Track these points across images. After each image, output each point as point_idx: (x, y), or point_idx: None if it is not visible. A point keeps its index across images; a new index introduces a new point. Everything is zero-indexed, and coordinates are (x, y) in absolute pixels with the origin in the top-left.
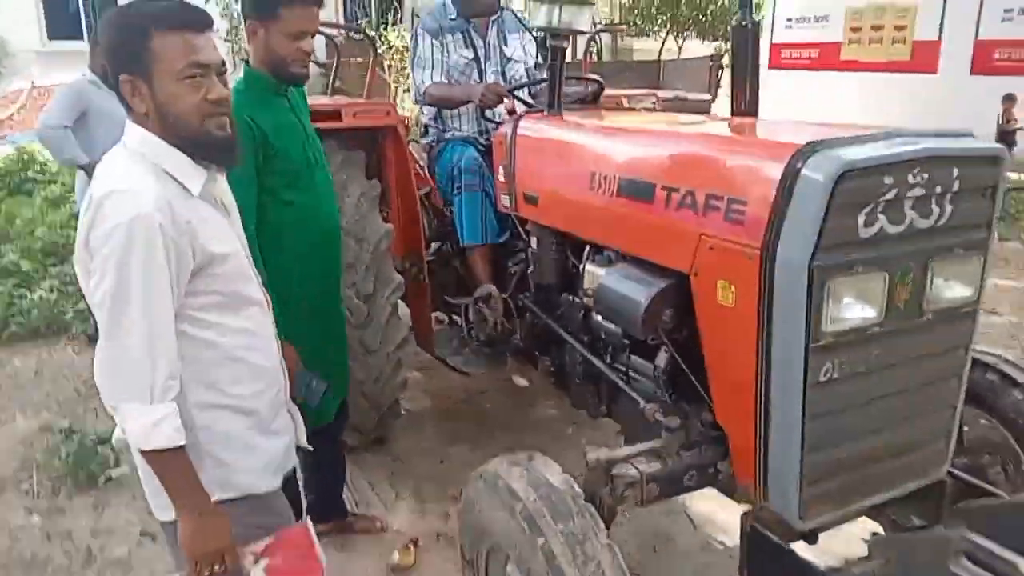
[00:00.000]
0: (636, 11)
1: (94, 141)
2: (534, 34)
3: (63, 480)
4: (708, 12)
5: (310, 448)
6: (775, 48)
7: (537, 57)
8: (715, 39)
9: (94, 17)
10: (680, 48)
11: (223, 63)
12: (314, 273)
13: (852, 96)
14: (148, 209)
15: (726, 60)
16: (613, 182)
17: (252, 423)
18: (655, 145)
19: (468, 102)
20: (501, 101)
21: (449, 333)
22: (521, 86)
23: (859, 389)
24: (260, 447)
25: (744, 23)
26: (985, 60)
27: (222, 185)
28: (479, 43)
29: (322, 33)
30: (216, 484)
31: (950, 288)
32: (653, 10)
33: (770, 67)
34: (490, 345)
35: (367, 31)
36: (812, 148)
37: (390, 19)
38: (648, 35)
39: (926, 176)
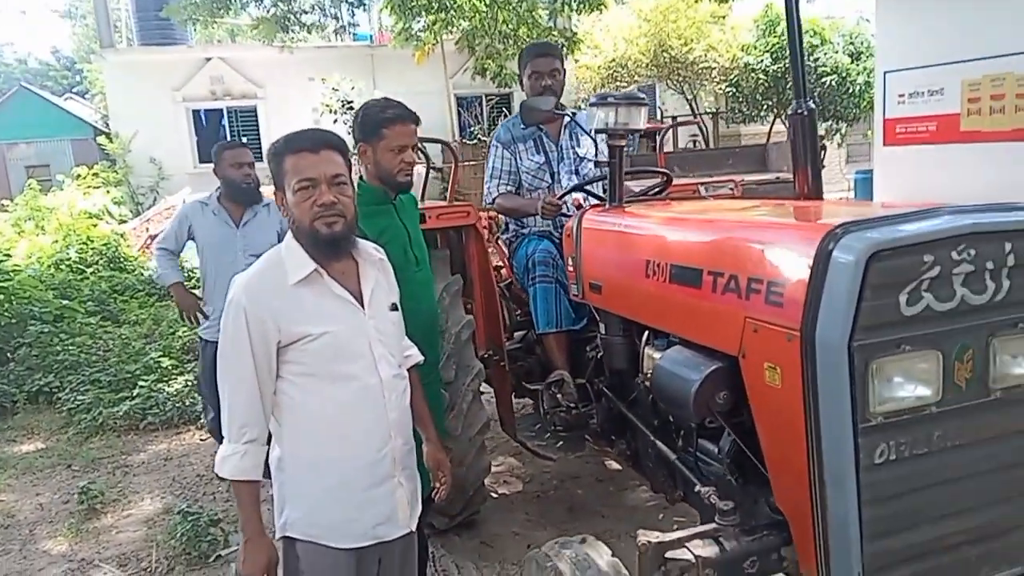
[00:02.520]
0: (740, 98)
1: (203, 261)
2: (592, 136)
3: (178, 559)
4: (816, 94)
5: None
6: (889, 124)
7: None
8: (826, 119)
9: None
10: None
11: (335, 175)
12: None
13: (976, 168)
14: (237, 294)
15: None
16: (665, 269)
17: (331, 484)
18: (702, 232)
19: (534, 214)
20: (559, 210)
21: (533, 419)
22: (576, 187)
23: (921, 471)
24: (335, 507)
25: (800, 111)
26: None
27: (360, 277)
28: (551, 147)
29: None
30: (288, 522)
31: (1019, 365)
32: (758, 96)
33: (885, 144)
34: (568, 429)
35: (448, 143)
36: (845, 230)
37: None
38: (756, 120)
39: (973, 252)
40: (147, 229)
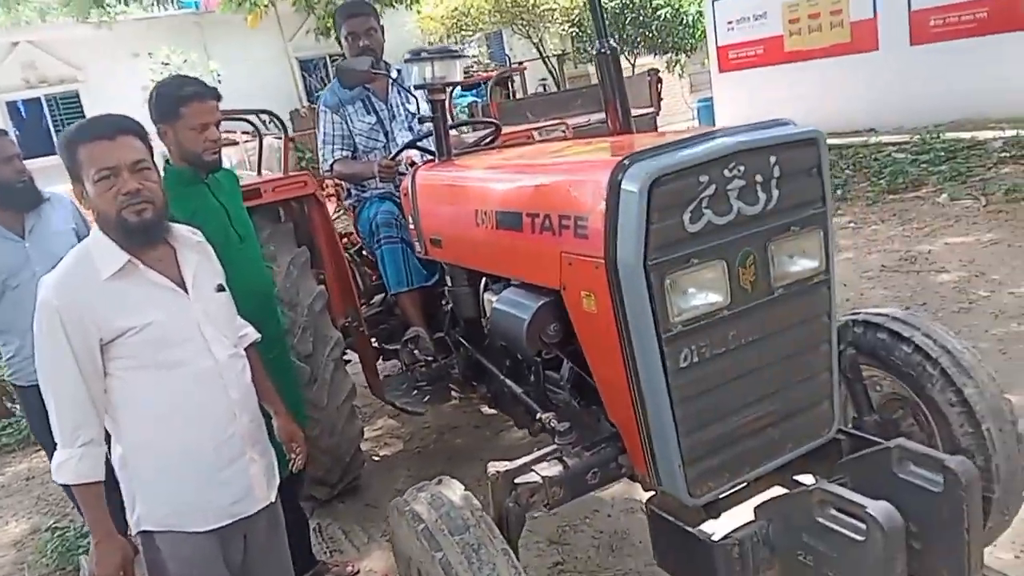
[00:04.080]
0: (584, 38)
1: None
2: (412, 93)
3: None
4: (652, 28)
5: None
6: (722, 51)
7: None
8: (665, 52)
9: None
10: (634, 65)
11: (136, 161)
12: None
13: (802, 84)
14: (47, 296)
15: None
16: (492, 216)
17: (180, 471)
18: (518, 178)
19: (371, 177)
20: (394, 170)
21: (401, 379)
22: (407, 146)
23: (722, 368)
24: (190, 491)
25: (603, 50)
26: (922, 30)
27: (180, 262)
28: (380, 106)
29: (233, 119)
30: (141, 516)
31: (794, 263)
32: None
33: (721, 71)
34: (431, 382)
35: (273, 112)
36: (631, 160)
37: None
38: None
39: (743, 168)
40: None
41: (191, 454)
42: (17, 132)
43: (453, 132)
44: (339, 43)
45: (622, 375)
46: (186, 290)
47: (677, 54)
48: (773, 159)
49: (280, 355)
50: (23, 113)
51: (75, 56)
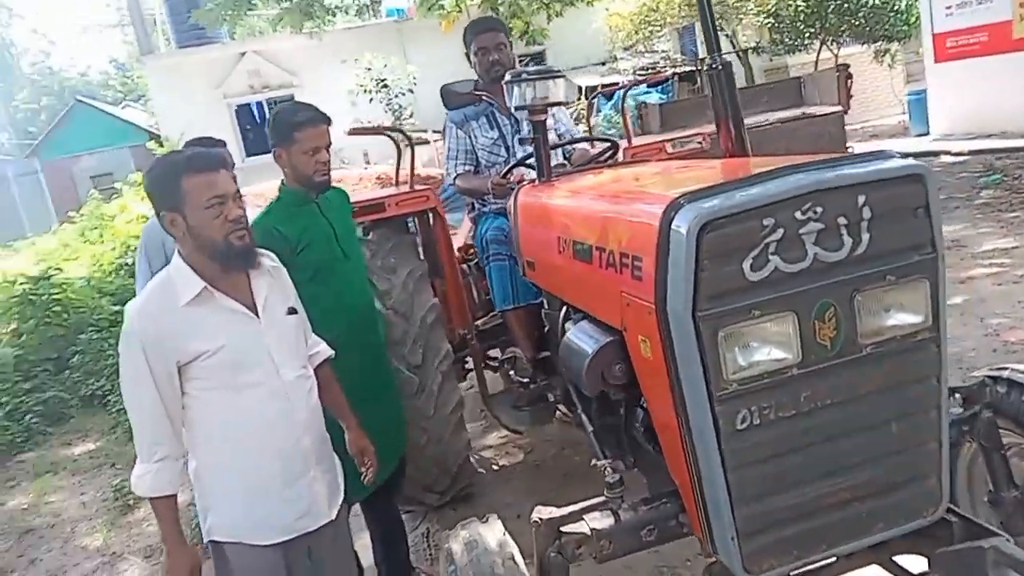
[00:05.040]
0: (781, 28)
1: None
2: (515, 113)
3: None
4: (859, 15)
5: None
6: (938, 39)
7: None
8: (874, 40)
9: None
10: (837, 56)
11: (237, 191)
12: (351, 352)
13: None
14: (131, 325)
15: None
16: (569, 244)
17: (249, 486)
18: (594, 208)
19: (487, 193)
20: (506, 187)
21: (508, 395)
22: (515, 165)
23: (790, 433)
24: (257, 507)
25: (714, 65)
26: None
27: (252, 288)
28: (504, 121)
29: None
30: (212, 527)
31: (890, 318)
32: (799, 24)
33: (936, 61)
34: (529, 403)
35: (403, 129)
36: (685, 200)
37: None
38: (801, 49)
39: (821, 209)
40: None
41: (259, 472)
42: (241, 132)
43: (583, 145)
44: (468, 59)
45: (676, 430)
46: (257, 315)
47: (887, 43)
48: (862, 199)
49: (379, 368)
50: (255, 115)
51: (292, 63)
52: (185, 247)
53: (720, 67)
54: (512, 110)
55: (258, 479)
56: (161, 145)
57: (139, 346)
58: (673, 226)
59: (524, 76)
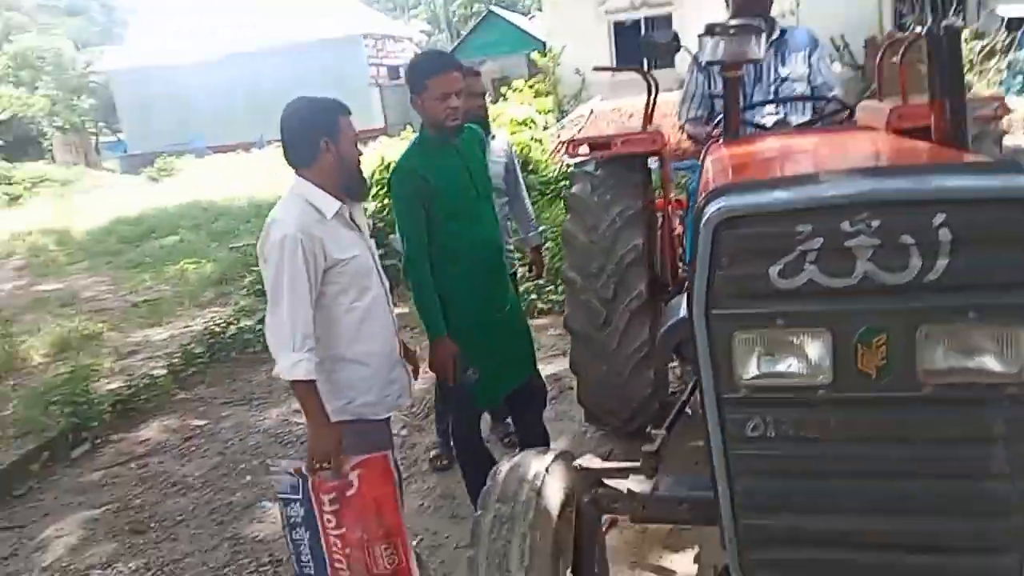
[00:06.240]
0: None
1: None
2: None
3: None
4: None
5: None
6: None
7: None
8: None
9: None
10: None
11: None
12: (478, 285)
13: None
14: (292, 231)
15: None
16: None
17: (369, 372)
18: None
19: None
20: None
21: None
22: (720, 120)
23: (812, 456)
24: (373, 389)
25: (936, 31)
26: None
27: (359, 212)
28: (749, 67)
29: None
30: (340, 410)
31: (969, 360)
32: None
33: None
34: None
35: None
36: (720, 190)
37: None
38: None
39: (877, 223)
40: (558, 136)
41: (373, 360)
42: (615, 48)
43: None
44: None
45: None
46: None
47: None
48: (940, 218)
49: (506, 296)
50: (629, 32)
51: None
52: (311, 176)
53: (943, 33)
54: (703, 64)
55: (374, 367)
56: (544, 56)
57: (300, 249)
58: (704, 216)
59: (718, 29)
